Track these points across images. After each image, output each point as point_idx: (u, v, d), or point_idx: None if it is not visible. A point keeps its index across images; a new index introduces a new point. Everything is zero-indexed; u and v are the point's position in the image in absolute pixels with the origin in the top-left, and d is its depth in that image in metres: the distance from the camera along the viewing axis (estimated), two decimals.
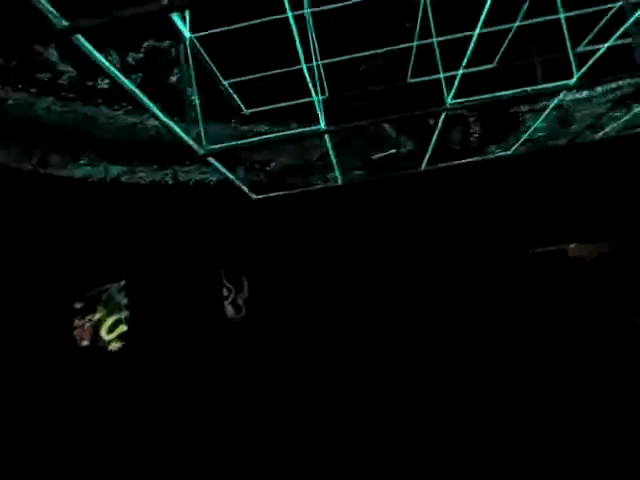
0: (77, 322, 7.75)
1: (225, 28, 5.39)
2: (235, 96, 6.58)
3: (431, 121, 6.89)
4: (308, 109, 7.03)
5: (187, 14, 5.20)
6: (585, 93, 6.75)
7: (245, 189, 6.65)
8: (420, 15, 5.64)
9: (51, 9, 3.48)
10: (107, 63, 4.02)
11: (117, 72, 4.11)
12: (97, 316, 7.96)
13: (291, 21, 4.62)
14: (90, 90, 6.48)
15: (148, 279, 8.27)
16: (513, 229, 7.54)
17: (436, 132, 5.68)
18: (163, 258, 8.21)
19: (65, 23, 3.54)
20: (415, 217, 7.32)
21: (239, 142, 5.91)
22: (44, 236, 7.80)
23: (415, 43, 5.91)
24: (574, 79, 4.87)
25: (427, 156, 6.26)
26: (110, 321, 7.85)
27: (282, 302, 8.43)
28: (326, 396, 6.35)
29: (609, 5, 5.37)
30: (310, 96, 6.36)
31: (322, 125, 5.35)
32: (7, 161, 6.55)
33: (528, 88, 4.93)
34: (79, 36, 3.68)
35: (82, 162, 6.92)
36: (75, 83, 6.43)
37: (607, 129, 6.69)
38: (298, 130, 5.53)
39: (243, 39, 6.06)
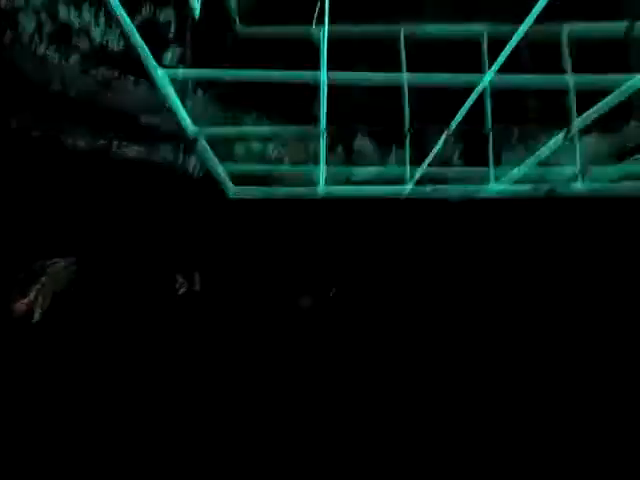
0: (17, 293, 7.10)
1: None
2: None
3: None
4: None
5: None
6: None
7: (226, 181, 6.39)
8: None
9: None
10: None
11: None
12: (38, 289, 7.33)
13: None
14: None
15: (99, 259, 7.73)
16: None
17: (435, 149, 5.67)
18: (118, 239, 7.71)
19: None
20: (396, 240, 7.28)
21: (232, 128, 5.66)
22: None
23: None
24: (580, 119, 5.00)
25: (416, 176, 6.27)
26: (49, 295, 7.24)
27: (232, 303, 8.07)
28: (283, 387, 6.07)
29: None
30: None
31: (322, 127, 5.23)
32: None
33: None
34: None
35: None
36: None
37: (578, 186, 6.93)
38: (294, 127, 5.38)
39: None
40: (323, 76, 4.59)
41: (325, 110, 4.78)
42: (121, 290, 7.64)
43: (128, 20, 3.81)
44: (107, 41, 5.92)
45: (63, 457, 5.32)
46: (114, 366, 6.69)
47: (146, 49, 4.05)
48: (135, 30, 3.75)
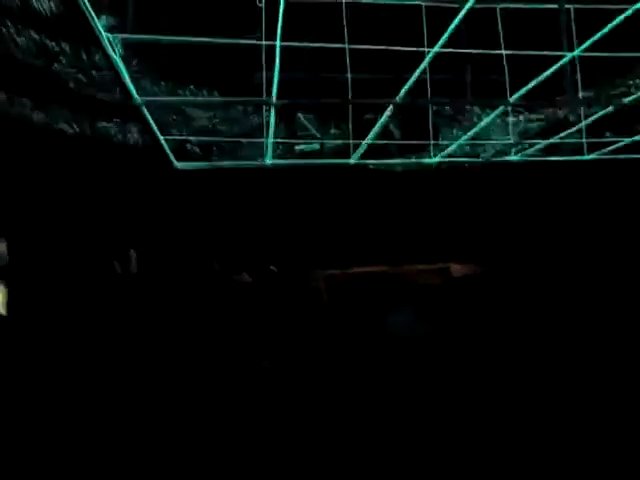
0: None
1: None
2: None
3: (367, 116, 7.06)
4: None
5: None
6: (498, 121, 7.36)
7: (170, 155, 6.25)
8: None
9: None
10: None
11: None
12: None
13: None
14: None
15: (32, 240, 7.35)
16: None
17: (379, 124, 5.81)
18: (52, 217, 7.35)
19: None
20: (340, 208, 7.39)
21: (180, 98, 5.54)
22: None
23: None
24: (514, 97, 5.30)
25: (361, 150, 6.39)
26: None
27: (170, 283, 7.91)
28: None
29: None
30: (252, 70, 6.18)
31: (274, 98, 5.22)
32: None
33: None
34: None
35: None
36: None
37: (511, 156, 7.38)
38: (245, 98, 5.33)
39: None
40: (277, 42, 4.54)
41: (277, 81, 4.77)
42: (57, 274, 7.30)
43: None
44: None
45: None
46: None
47: (92, 12, 3.88)
48: None
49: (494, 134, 7.12)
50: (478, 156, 7.18)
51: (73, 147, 6.94)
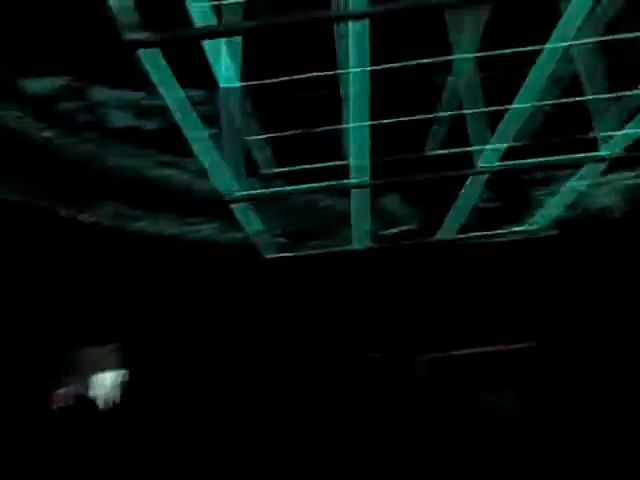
0: (60, 385, 7.10)
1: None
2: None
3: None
4: (325, 174, 6.98)
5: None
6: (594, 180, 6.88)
7: (260, 247, 6.51)
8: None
9: None
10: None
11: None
12: (84, 378, 7.34)
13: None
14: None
15: (144, 342, 7.70)
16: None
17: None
18: (161, 319, 7.68)
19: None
20: (435, 286, 7.17)
21: (270, 190, 5.79)
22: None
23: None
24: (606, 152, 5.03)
25: (453, 226, 6.28)
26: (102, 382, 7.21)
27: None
28: None
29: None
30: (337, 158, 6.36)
31: (358, 180, 5.34)
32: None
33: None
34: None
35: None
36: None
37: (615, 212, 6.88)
38: (331, 182, 5.51)
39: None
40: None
41: (369, 161, 4.91)
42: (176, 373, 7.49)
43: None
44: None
45: None
46: None
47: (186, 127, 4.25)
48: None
49: (593, 190, 6.67)
50: (581, 217, 6.76)
51: (178, 250, 7.40)
